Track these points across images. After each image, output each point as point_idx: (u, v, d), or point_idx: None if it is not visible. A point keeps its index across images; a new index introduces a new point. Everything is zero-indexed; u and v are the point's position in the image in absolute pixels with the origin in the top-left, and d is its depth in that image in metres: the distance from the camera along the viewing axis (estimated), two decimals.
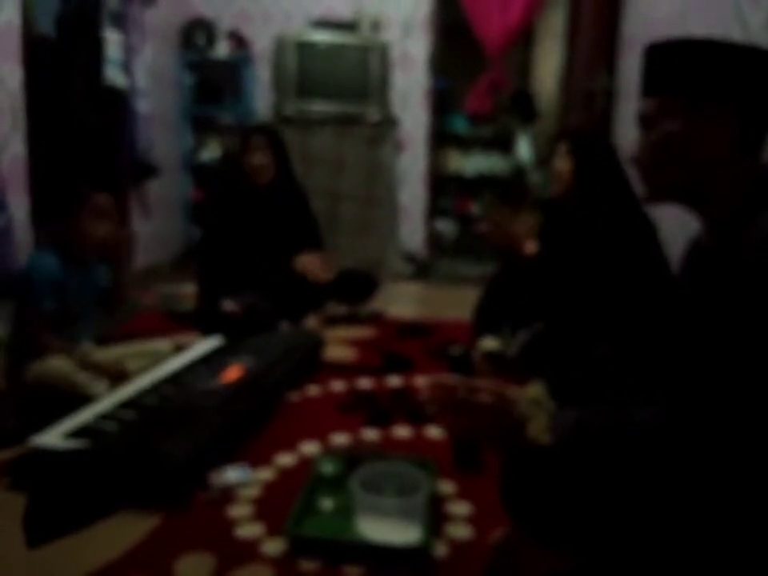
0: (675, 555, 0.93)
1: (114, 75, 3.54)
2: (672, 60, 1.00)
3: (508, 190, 3.09)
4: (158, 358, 2.31)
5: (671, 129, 0.99)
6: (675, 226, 2.30)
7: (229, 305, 2.85)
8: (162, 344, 2.43)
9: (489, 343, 2.42)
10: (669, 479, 0.92)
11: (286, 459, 1.82)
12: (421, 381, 2.43)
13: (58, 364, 2.06)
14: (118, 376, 2.16)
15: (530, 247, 2.42)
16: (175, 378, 2.12)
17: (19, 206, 2.67)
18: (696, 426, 0.90)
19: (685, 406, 0.93)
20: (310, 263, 3.05)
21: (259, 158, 3.01)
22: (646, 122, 1.04)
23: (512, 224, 2.45)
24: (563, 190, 2.46)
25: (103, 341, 2.42)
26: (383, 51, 4.32)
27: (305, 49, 4.25)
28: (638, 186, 1.12)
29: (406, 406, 2.17)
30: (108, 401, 1.92)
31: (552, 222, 2.47)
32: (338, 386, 2.39)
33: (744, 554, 0.89)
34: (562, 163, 2.45)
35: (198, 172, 4.78)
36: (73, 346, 2.21)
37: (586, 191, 2.39)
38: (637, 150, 1.06)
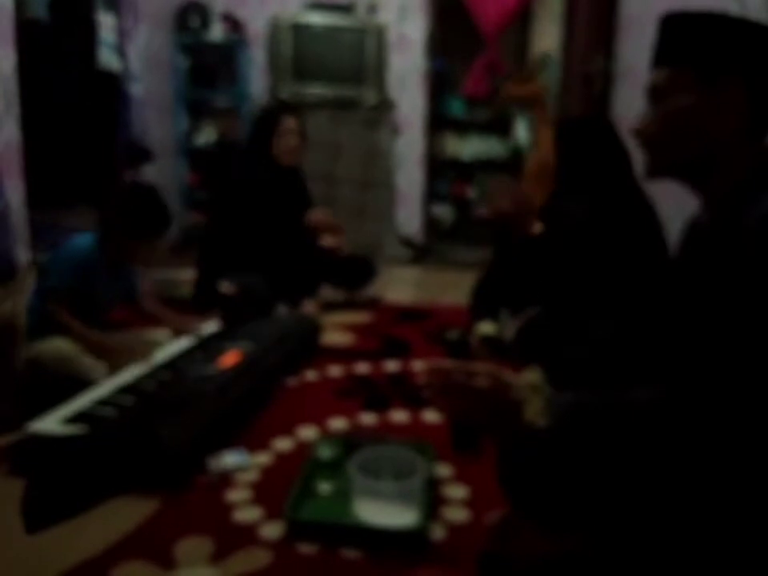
0: (674, 535, 0.93)
1: (107, 58, 3.51)
2: (687, 31, 0.99)
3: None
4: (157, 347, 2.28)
5: (681, 103, 0.98)
6: (671, 208, 2.30)
7: (225, 286, 2.84)
8: (161, 334, 2.41)
9: (486, 327, 2.43)
10: (667, 459, 0.92)
11: (283, 443, 1.83)
12: (418, 365, 2.43)
13: (60, 345, 1.98)
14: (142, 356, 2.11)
15: (535, 227, 2.39)
16: (173, 364, 2.12)
17: (14, 192, 2.66)
18: (696, 405, 0.90)
19: (684, 385, 0.93)
20: (321, 218, 3.12)
21: (294, 140, 3.03)
22: (655, 94, 1.02)
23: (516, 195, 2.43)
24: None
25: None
26: (380, 33, 4.28)
27: (300, 31, 4.21)
28: (639, 162, 1.10)
29: (404, 391, 2.18)
30: (106, 386, 1.92)
31: (550, 209, 2.46)
32: (335, 370, 2.40)
33: (743, 533, 0.90)
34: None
35: (194, 156, 4.75)
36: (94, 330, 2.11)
37: (571, 178, 2.38)
38: (641, 122, 1.04)
